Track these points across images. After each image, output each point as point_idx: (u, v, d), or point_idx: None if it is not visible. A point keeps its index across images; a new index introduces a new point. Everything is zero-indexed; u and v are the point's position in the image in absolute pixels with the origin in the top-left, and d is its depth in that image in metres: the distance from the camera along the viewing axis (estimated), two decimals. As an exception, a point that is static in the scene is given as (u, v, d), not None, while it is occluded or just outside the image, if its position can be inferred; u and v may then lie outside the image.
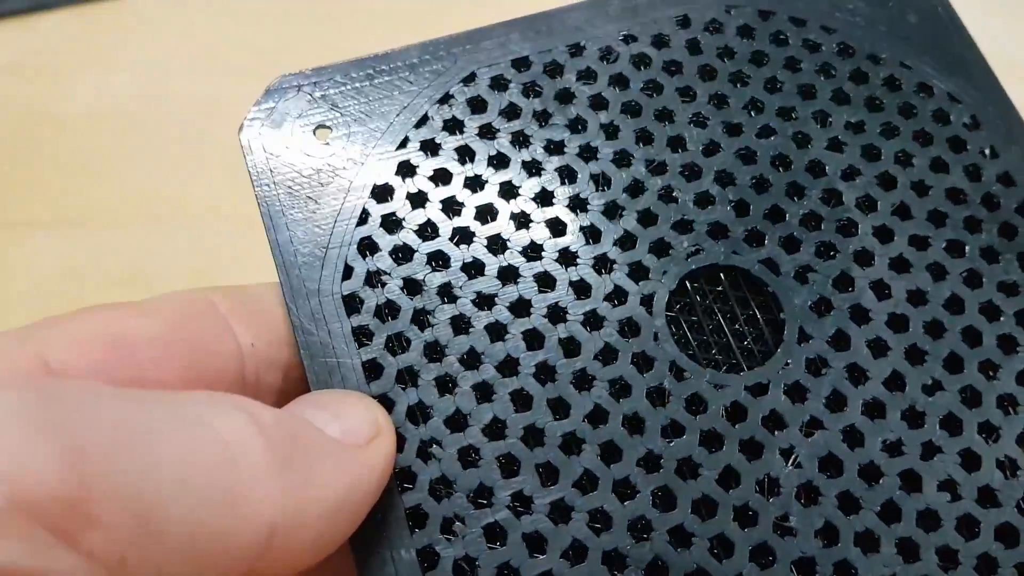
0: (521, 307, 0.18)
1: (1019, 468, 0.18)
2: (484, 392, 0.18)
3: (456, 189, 0.19)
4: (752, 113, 0.20)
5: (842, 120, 0.20)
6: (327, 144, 0.20)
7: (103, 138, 0.34)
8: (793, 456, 0.17)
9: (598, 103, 0.20)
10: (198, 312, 0.18)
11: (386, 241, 0.19)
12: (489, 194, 0.19)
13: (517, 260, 0.19)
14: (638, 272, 0.19)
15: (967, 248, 0.19)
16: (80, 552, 0.12)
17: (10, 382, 0.13)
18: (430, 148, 0.20)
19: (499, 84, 0.20)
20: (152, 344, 0.17)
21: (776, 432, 0.18)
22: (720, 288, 0.19)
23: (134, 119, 0.34)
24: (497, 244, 0.19)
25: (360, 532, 0.16)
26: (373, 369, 0.18)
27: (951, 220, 0.20)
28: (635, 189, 0.20)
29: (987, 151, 0.20)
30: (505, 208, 0.19)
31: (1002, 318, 0.19)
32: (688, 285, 0.19)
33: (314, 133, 0.20)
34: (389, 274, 0.18)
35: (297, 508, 0.15)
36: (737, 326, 0.19)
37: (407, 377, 0.18)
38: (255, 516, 0.14)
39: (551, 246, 0.19)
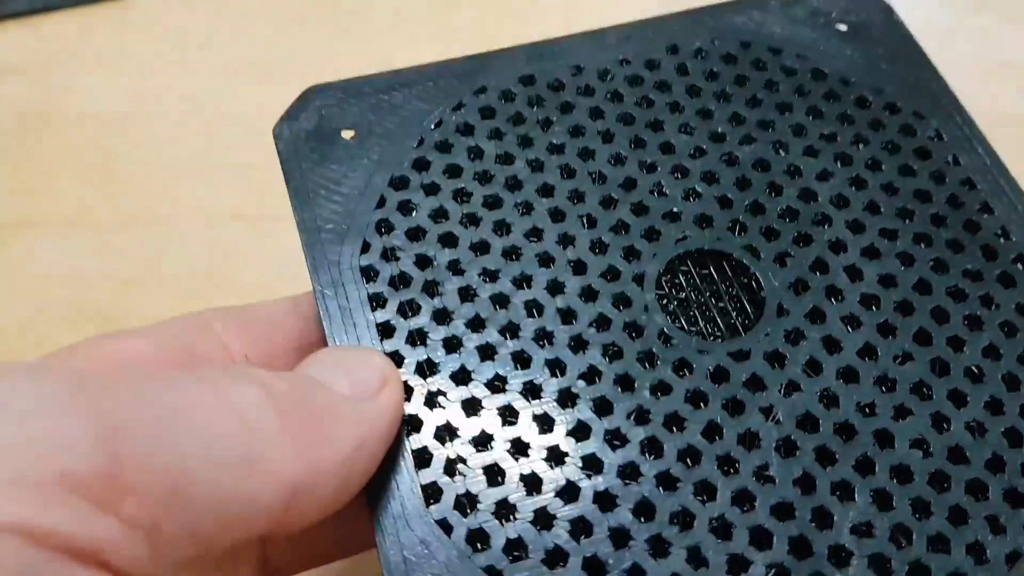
0: (523, 281, 0.20)
1: (987, 430, 0.19)
2: (487, 352, 0.19)
3: (466, 181, 0.21)
4: (734, 124, 0.23)
5: (817, 132, 0.23)
6: (353, 141, 0.22)
7: (104, 138, 0.34)
8: (773, 414, 0.19)
9: (596, 113, 0.23)
10: (193, 332, 0.20)
11: (401, 222, 0.21)
12: (495, 186, 0.21)
13: (520, 242, 0.21)
14: (631, 254, 0.21)
15: (934, 239, 0.21)
16: (118, 518, 0.14)
17: (47, 374, 0.15)
18: (443, 147, 0.22)
19: (507, 96, 0.23)
20: (154, 362, 0.19)
21: (757, 393, 0.19)
22: (707, 271, 0.21)
23: (135, 119, 0.35)
24: (502, 228, 0.21)
25: (373, 476, 0.18)
26: (386, 330, 0.19)
27: (918, 216, 0.21)
28: (629, 185, 0.22)
29: (950, 159, 0.22)
30: (509, 198, 0.21)
31: (968, 299, 0.20)
32: (677, 269, 0.21)
33: (341, 132, 0.22)
34: (404, 250, 0.20)
35: (314, 465, 0.16)
36: (721, 304, 0.21)
37: (417, 337, 0.19)
38: (275, 479, 0.16)
39: (551, 231, 0.21)
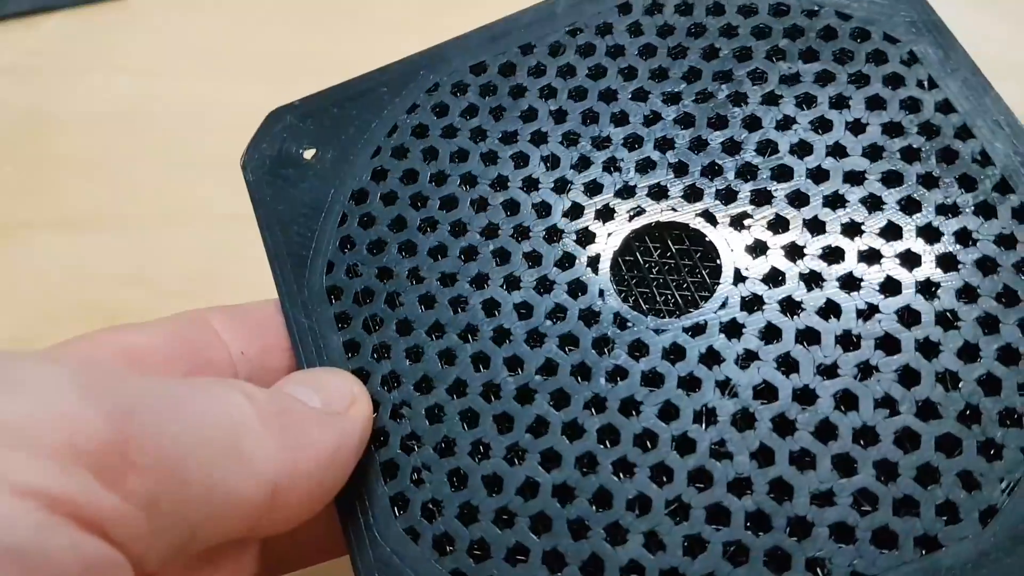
0: (480, 280, 0.21)
1: (960, 380, 0.18)
2: (448, 358, 0.20)
3: (422, 185, 0.22)
4: (690, 81, 0.22)
5: (777, 75, 0.21)
6: (314, 160, 0.23)
7: (104, 138, 0.35)
8: (729, 386, 0.19)
9: (547, 93, 0.22)
10: (193, 328, 0.21)
11: (362, 236, 0.21)
12: (451, 185, 0.22)
13: (476, 240, 0.21)
14: (585, 238, 0.21)
15: (904, 177, 0.20)
16: (121, 494, 0.15)
17: (62, 359, 0.16)
18: (400, 153, 0.22)
19: (459, 89, 0.23)
20: (155, 355, 0.20)
21: (713, 367, 0.19)
22: (662, 245, 0.21)
23: (135, 119, 0.35)
24: (458, 228, 0.21)
25: (343, 490, 0.19)
26: (352, 347, 0.20)
27: (888, 153, 0.20)
28: (582, 164, 0.21)
29: (925, 82, 0.21)
30: (464, 195, 0.22)
31: (942, 238, 0.19)
32: (633, 246, 0.21)
33: (302, 153, 0.23)
34: (366, 264, 0.21)
35: (293, 468, 0.17)
36: (678, 277, 0.20)
37: (381, 351, 0.20)
38: (258, 475, 0.17)
39: (507, 224, 0.21)
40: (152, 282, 0.32)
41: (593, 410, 0.19)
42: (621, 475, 0.18)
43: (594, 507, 0.18)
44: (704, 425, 0.18)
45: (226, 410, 0.17)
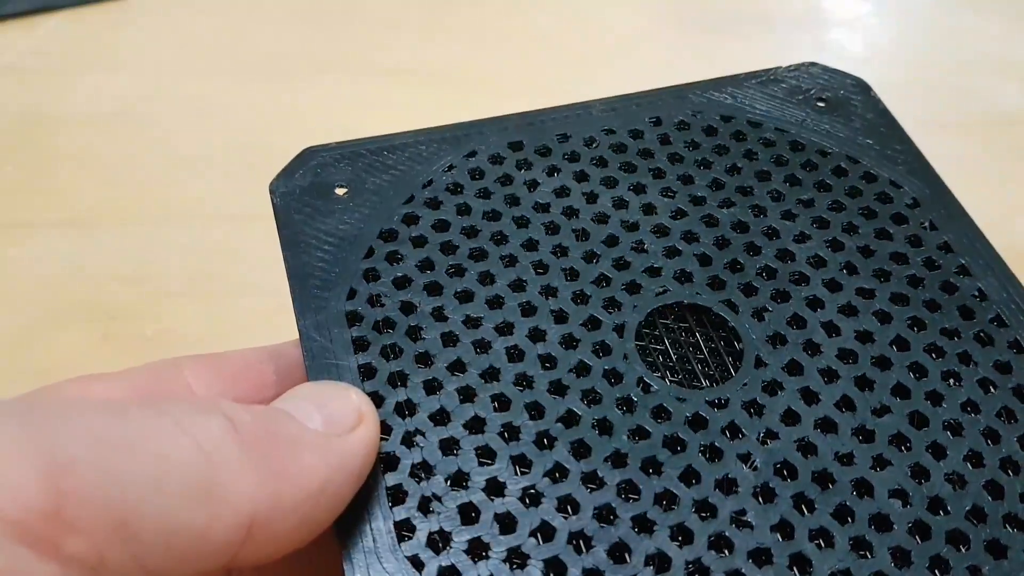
0: (506, 328, 0.20)
1: (967, 482, 0.19)
2: (467, 394, 0.19)
3: (453, 235, 0.22)
4: (714, 189, 0.23)
5: (794, 197, 0.23)
6: (346, 197, 0.23)
7: (104, 138, 0.35)
8: (750, 460, 0.19)
9: (580, 176, 0.23)
10: (162, 377, 0.20)
11: (388, 271, 0.21)
12: (481, 240, 0.22)
13: (503, 291, 0.21)
14: (612, 305, 0.21)
15: (911, 299, 0.21)
16: (58, 560, 0.13)
17: None
18: (433, 204, 0.23)
19: (496, 159, 0.24)
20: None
21: (735, 440, 0.19)
22: (686, 324, 0.21)
23: (134, 119, 0.35)
24: (486, 278, 0.21)
25: (344, 511, 0.17)
26: (368, 371, 0.20)
27: (895, 277, 0.22)
28: (611, 241, 0.22)
29: (927, 224, 0.23)
30: (495, 251, 0.22)
31: (946, 356, 0.20)
32: (657, 320, 0.21)
33: (335, 188, 0.23)
34: (389, 296, 0.21)
35: (276, 498, 0.16)
36: (700, 355, 0.21)
37: (398, 379, 0.20)
38: (232, 510, 0.15)
39: (534, 282, 0.21)
40: (152, 282, 0.31)
41: (613, 464, 0.18)
42: (640, 531, 0.18)
43: (611, 560, 0.17)
44: (725, 493, 0.18)
45: (196, 441, 0.16)
